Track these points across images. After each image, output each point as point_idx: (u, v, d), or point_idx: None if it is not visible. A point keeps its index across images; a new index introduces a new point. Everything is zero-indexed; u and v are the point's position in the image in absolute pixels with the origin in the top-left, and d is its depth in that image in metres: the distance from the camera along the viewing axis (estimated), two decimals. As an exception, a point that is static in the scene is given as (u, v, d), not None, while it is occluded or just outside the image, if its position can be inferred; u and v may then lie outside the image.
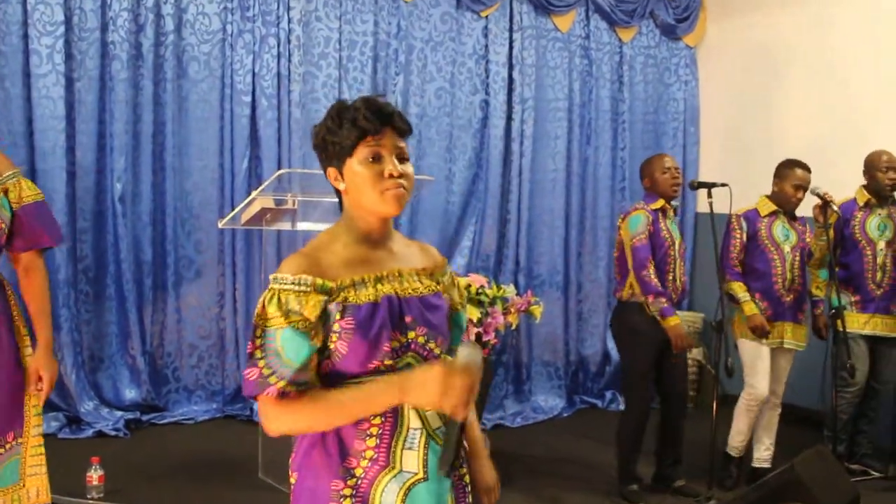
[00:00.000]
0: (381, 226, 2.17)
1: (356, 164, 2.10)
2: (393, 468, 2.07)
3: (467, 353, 2.01)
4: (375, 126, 2.10)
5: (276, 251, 5.88)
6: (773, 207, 5.15)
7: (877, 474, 5.48)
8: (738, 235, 5.14)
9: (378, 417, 2.06)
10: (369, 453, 2.05)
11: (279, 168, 5.84)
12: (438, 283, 2.25)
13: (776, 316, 5.12)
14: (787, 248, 5.13)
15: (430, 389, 1.95)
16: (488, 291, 6.02)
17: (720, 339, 4.76)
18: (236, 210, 4.40)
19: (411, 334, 2.10)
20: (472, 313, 5.84)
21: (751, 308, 5.03)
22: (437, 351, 2.21)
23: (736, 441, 5.30)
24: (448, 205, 6.67)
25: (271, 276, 2.04)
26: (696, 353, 6.94)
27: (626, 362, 5.10)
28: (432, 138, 6.56)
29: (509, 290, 6.30)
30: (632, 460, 5.08)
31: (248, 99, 5.93)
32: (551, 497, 5.09)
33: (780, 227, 5.14)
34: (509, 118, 6.82)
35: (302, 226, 4.54)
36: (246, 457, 4.83)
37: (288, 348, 1.99)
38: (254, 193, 4.32)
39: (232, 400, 6.09)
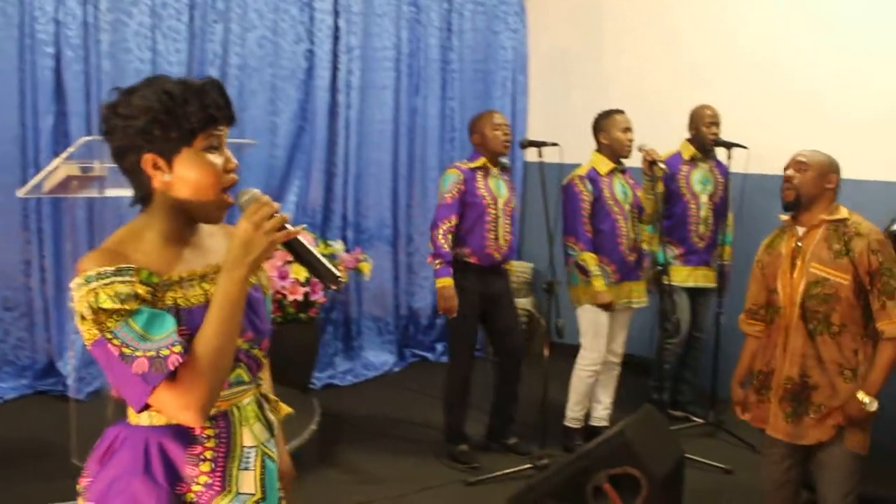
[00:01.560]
0: (196, 221, 1.97)
1: (194, 155, 1.85)
2: (229, 492, 1.92)
3: (247, 196, 1.86)
4: (225, 114, 1.88)
5: (87, 215, 5.51)
6: (611, 164, 5.09)
7: (698, 420, 5.67)
8: (585, 198, 5.02)
9: (211, 440, 1.91)
10: (203, 479, 1.89)
11: (88, 125, 5.42)
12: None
13: (623, 277, 5.10)
14: (627, 207, 5.12)
15: (248, 238, 1.79)
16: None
17: (550, 300, 4.77)
18: (38, 178, 4.03)
19: (238, 341, 1.90)
20: (298, 273, 5.66)
21: (600, 284, 4.97)
22: (260, 356, 2.05)
23: (576, 412, 5.26)
24: (272, 159, 6.39)
25: (78, 280, 1.77)
26: (525, 304, 6.99)
27: (449, 318, 5.05)
28: (255, 90, 6.24)
29: (337, 247, 6.15)
30: (458, 419, 5.06)
31: (52, 50, 5.39)
32: (382, 460, 5.01)
33: (619, 186, 5.11)
34: (335, 68, 6.56)
35: (111, 192, 4.21)
36: (57, 439, 4.52)
37: (153, 325, 1.76)
38: (56, 161, 3.96)
39: (43, 375, 5.67)
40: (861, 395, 3.27)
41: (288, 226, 1.84)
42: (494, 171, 4.96)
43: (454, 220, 4.85)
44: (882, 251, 3.31)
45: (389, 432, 5.49)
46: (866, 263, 3.28)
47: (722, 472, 4.92)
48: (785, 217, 3.54)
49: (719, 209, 5.68)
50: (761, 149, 5.46)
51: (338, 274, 1.88)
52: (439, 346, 7.19)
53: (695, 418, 5.71)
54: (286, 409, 2.27)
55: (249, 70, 6.19)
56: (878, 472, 3.86)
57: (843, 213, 3.41)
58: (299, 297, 5.68)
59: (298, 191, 6.50)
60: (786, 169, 3.46)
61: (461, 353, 5.03)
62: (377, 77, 6.81)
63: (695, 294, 5.73)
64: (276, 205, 1.83)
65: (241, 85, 6.14)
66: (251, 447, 2.00)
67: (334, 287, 1.88)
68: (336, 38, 6.56)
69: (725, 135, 5.57)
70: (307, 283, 5.70)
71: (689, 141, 5.69)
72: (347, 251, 6.24)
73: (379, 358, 6.87)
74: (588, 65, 7.18)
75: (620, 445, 3.64)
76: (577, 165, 5.17)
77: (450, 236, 4.84)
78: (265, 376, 2.21)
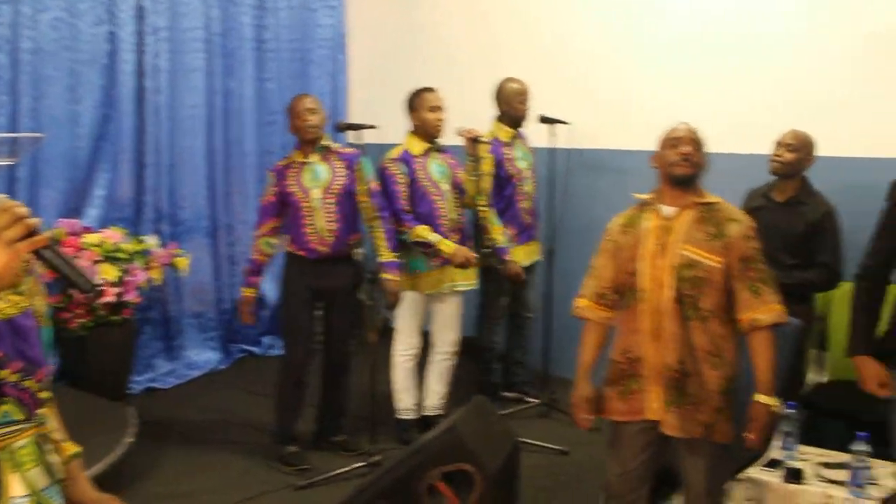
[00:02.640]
0: None
1: None
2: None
3: None
4: None
5: None
6: (425, 144, 4.94)
7: (533, 401, 5.62)
8: (400, 180, 4.85)
9: None
10: None
11: None
12: (23, 294, 1.81)
13: (446, 260, 4.92)
14: (446, 188, 4.97)
15: None
16: (125, 247, 5.49)
17: (373, 290, 4.59)
18: None
19: (4, 373, 1.68)
20: (109, 273, 5.29)
21: (448, 246, 4.82)
22: (35, 389, 1.79)
23: (405, 402, 5.10)
24: (74, 150, 5.90)
25: None
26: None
27: (280, 313, 4.80)
28: (51, 76, 5.74)
29: (151, 242, 5.80)
30: (288, 419, 4.84)
31: None
32: (207, 469, 4.73)
33: (435, 166, 4.95)
34: (141, 51, 6.12)
35: None
36: None
37: None
38: None
39: None
40: (763, 399, 3.15)
41: (39, 232, 1.57)
42: (313, 157, 4.71)
43: (272, 222, 4.78)
44: (756, 238, 3.23)
45: (215, 437, 5.20)
46: (741, 249, 3.17)
47: (558, 454, 4.87)
48: (644, 196, 3.36)
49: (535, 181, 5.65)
50: (582, 125, 5.45)
51: (93, 283, 1.67)
52: (266, 340, 6.92)
53: (529, 398, 5.66)
54: (71, 448, 2.01)
55: (44, 55, 5.69)
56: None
57: (714, 197, 3.29)
58: (111, 299, 5.30)
59: (106, 184, 6.03)
60: (682, 145, 3.23)
61: (292, 348, 4.81)
62: (187, 59, 6.41)
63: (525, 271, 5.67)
64: (21, 210, 1.55)
65: (36, 71, 5.64)
66: (23, 497, 1.74)
67: (91, 295, 1.66)
68: (140, 19, 6.11)
69: (541, 111, 5.53)
70: (119, 283, 5.33)
71: (500, 119, 5.57)
72: (163, 246, 5.88)
73: (202, 356, 6.54)
74: (407, 43, 7.00)
75: (452, 441, 3.50)
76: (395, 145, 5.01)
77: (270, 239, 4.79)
78: (49, 413, 1.95)
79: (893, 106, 4.86)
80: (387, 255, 4.69)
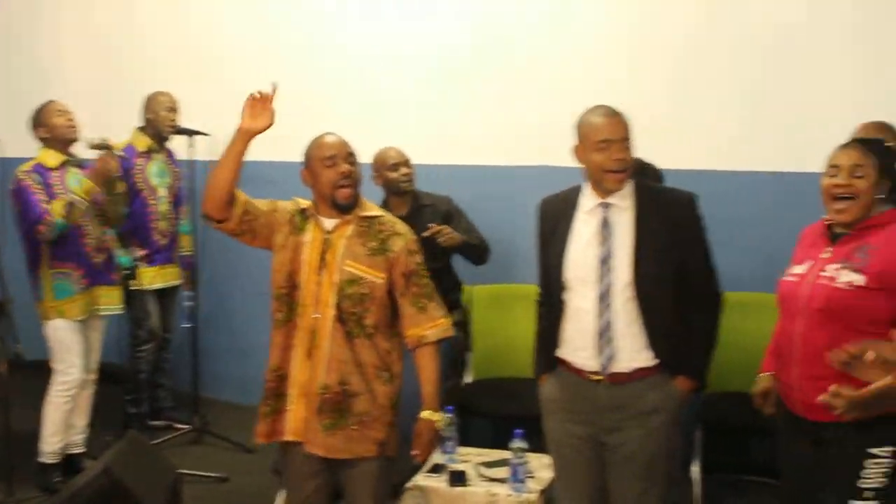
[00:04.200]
0: None
1: None
2: None
3: None
4: None
5: None
6: (62, 157, 4.56)
7: (183, 427, 5.34)
8: (36, 191, 4.41)
9: None
10: None
11: None
12: None
13: (92, 282, 4.59)
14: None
15: None
16: None
17: (4, 322, 4.16)
18: None
19: None
20: None
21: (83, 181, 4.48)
22: None
23: (53, 445, 4.61)
24: None
25: None
26: None
27: None
28: None
29: None
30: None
31: None
32: None
33: (73, 180, 4.54)
34: None
35: None
36: None
37: None
38: None
39: None
40: (428, 415, 3.11)
41: None
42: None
43: None
44: (419, 252, 3.20)
45: None
46: (404, 264, 3.13)
47: (217, 481, 4.68)
48: (304, 204, 3.19)
49: (178, 201, 5.42)
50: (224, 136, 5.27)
51: None
52: None
53: (179, 425, 5.38)
54: None
55: None
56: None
57: (376, 209, 3.24)
58: None
59: None
60: (340, 162, 3.07)
61: None
62: None
63: (161, 294, 5.40)
64: None
65: None
66: None
67: None
68: None
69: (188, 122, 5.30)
70: None
71: (143, 130, 5.30)
72: None
73: None
74: (29, 49, 6.40)
75: (108, 484, 3.24)
76: (22, 160, 4.60)
77: None
78: None
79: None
80: None
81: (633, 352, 2.97)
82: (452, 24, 5.38)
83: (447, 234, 4.48)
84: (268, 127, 3.03)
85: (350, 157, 3.14)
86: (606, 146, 2.92)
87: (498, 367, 4.91)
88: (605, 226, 2.99)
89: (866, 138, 3.10)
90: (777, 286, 2.92)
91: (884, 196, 2.76)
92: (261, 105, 3.02)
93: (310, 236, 3.14)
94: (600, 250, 2.98)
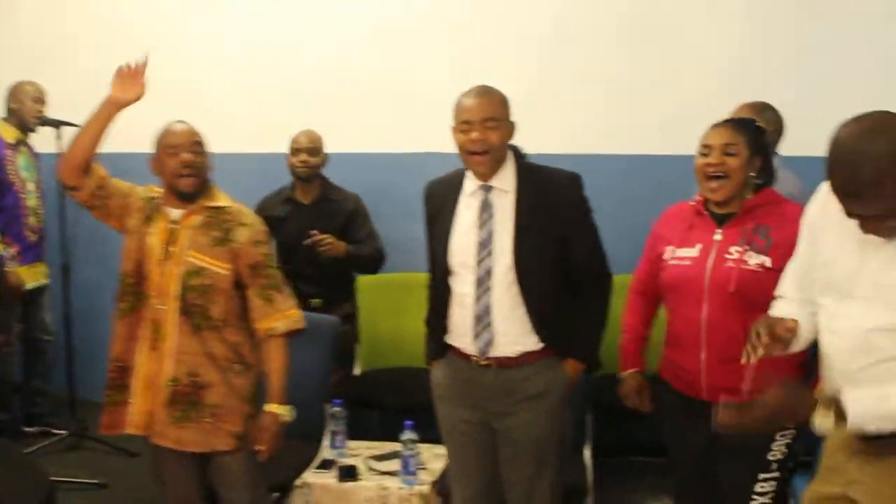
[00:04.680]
0: None
1: None
2: None
3: None
4: None
5: None
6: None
7: (60, 432, 5.09)
8: None
9: None
10: None
11: None
12: None
13: None
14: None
15: None
16: None
17: None
18: None
19: None
20: None
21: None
22: None
23: None
24: None
25: None
26: None
27: None
28: None
29: None
30: None
31: None
32: None
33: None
34: None
35: None
36: None
37: None
38: None
39: None
40: (273, 408, 3.03)
41: None
42: None
43: None
44: (266, 243, 3.12)
45: None
46: (249, 255, 3.04)
47: (97, 488, 4.49)
48: (154, 193, 3.11)
49: (45, 195, 5.18)
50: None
51: None
52: None
53: (56, 430, 5.12)
54: None
55: None
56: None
57: (224, 199, 3.12)
58: None
59: None
60: (182, 151, 2.99)
61: None
62: None
63: (32, 294, 5.14)
64: None
65: None
66: None
67: None
68: None
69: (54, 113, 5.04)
70: None
71: (6, 120, 5.05)
72: None
73: None
74: None
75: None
76: None
77: None
78: None
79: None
80: None
81: (517, 336, 2.91)
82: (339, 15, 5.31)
83: (327, 245, 4.39)
84: (137, 99, 3.01)
85: (195, 146, 3.06)
86: (468, 127, 2.85)
87: (387, 357, 4.85)
88: (485, 209, 2.92)
89: (738, 118, 3.10)
90: (661, 271, 2.90)
91: (755, 175, 2.77)
92: (131, 77, 3.00)
93: (156, 226, 3.06)
94: (479, 234, 2.91)
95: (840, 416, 2.03)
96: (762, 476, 2.73)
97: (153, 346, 3.02)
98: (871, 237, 2.04)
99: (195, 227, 3.03)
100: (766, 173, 2.84)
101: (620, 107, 4.90)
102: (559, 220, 2.92)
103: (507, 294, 2.89)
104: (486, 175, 2.91)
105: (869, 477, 2.14)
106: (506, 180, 2.93)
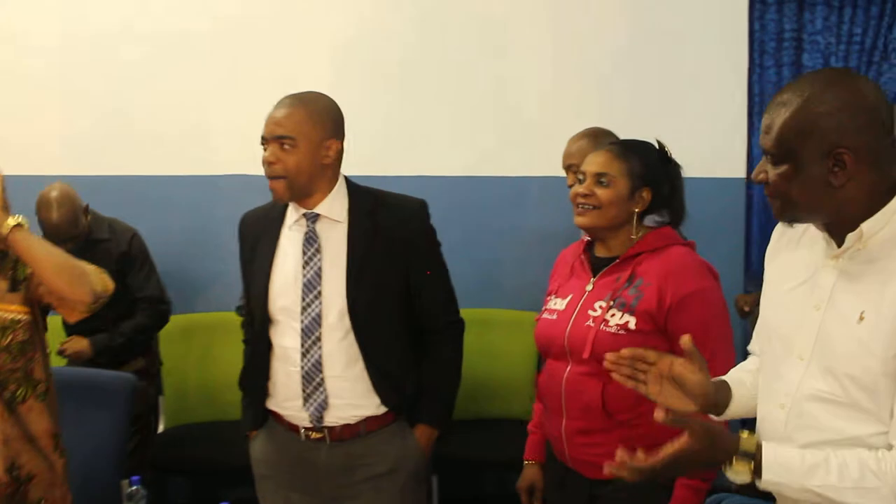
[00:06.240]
0: None
1: None
2: None
3: None
4: None
5: None
6: None
7: None
8: None
9: None
10: None
11: None
12: None
13: None
14: None
15: None
16: None
17: None
18: None
19: None
20: None
21: None
22: None
23: None
24: None
25: None
26: None
27: None
28: None
29: None
30: None
31: None
32: None
33: None
34: None
35: None
36: None
37: None
38: None
39: None
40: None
41: None
42: None
43: None
44: None
45: None
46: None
47: None
48: None
49: None
50: None
51: None
52: None
53: None
54: None
55: None
56: None
57: None
58: None
59: None
60: None
61: None
62: None
63: None
64: None
65: None
66: None
67: None
68: None
69: None
70: None
71: None
72: None
73: None
74: None
75: None
76: None
77: None
78: None
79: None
80: None
81: (354, 398, 2.38)
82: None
83: (70, 350, 3.71)
84: None
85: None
86: (264, 144, 2.33)
87: (197, 411, 4.17)
88: (311, 242, 2.37)
89: (631, 140, 2.43)
90: (535, 325, 2.40)
91: (641, 210, 2.27)
92: None
93: None
94: (304, 273, 2.36)
95: (757, 472, 1.57)
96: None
97: None
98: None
99: None
100: (672, 210, 2.34)
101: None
102: (401, 255, 2.40)
103: (340, 346, 2.34)
104: (301, 202, 2.37)
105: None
106: (336, 208, 2.39)
